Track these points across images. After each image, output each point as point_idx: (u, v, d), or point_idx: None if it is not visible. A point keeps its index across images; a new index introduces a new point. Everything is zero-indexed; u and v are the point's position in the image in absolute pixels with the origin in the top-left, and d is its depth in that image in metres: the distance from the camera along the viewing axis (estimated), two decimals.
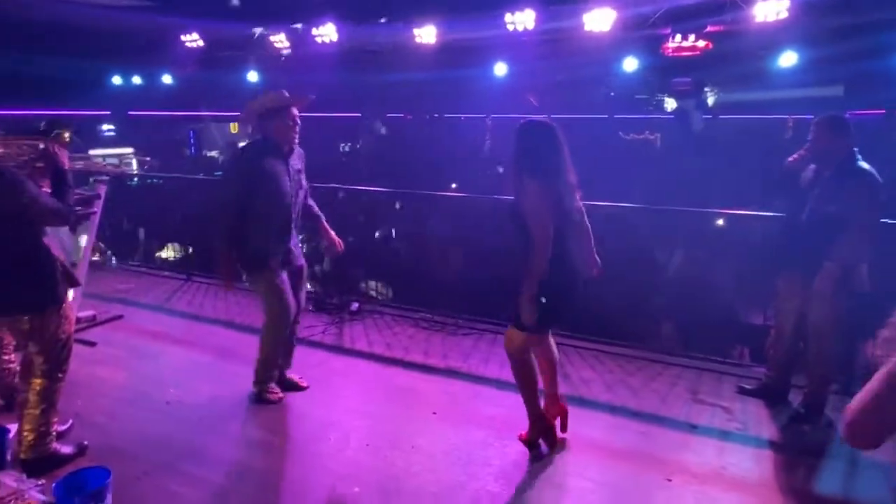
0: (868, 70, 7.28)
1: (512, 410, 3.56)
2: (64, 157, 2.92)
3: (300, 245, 3.89)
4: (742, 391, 3.81)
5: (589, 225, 3.13)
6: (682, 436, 3.37)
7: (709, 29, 6.66)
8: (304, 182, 3.66)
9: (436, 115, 16.93)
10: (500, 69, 8.43)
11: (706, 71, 9.14)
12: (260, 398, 3.66)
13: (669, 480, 2.92)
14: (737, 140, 12.32)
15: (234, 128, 20.75)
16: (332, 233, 3.92)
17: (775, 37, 6.73)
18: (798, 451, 3.20)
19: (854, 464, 3.07)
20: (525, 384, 3.06)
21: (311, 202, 3.85)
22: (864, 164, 3.25)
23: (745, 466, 3.05)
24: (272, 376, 3.71)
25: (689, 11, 6.27)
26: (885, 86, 8.31)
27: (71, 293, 3.06)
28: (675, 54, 7.02)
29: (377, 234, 10.86)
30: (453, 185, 10.23)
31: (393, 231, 10.68)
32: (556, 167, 2.84)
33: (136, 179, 4.77)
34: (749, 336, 6.10)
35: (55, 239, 2.91)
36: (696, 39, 6.86)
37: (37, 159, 2.88)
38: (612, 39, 6.81)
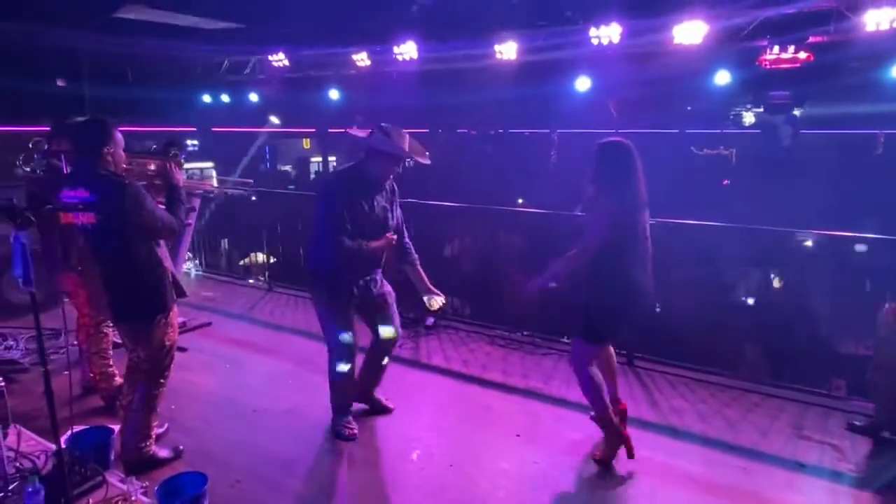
0: None
1: (599, 435, 3.43)
2: (179, 175, 3.10)
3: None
4: (852, 428, 3.50)
5: (650, 248, 3.11)
6: (788, 474, 3.12)
7: (811, 40, 6.29)
8: (390, 220, 3.43)
9: (500, 131, 16.92)
10: (583, 84, 8.30)
11: (804, 84, 8.64)
12: (334, 430, 3.47)
13: None
14: (822, 156, 11.60)
15: (306, 143, 21.56)
16: (427, 281, 3.64)
17: (887, 47, 6.28)
18: None
19: None
20: (593, 397, 3.10)
21: (407, 242, 3.63)
22: None
23: None
24: (342, 407, 3.50)
25: (789, 22, 5.94)
26: None
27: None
28: (774, 66, 6.68)
29: (447, 251, 10.88)
30: (520, 201, 10.11)
31: (449, 247, 10.68)
32: (629, 183, 2.96)
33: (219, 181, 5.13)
34: (844, 366, 5.66)
35: (164, 250, 3.05)
36: (797, 51, 6.50)
37: (155, 177, 3.06)
38: (704, 52, 6.57)
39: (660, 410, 3.77)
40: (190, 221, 4.81)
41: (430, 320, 5.43)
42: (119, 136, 2.93)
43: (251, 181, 4.73)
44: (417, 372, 4.47)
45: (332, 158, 20.96)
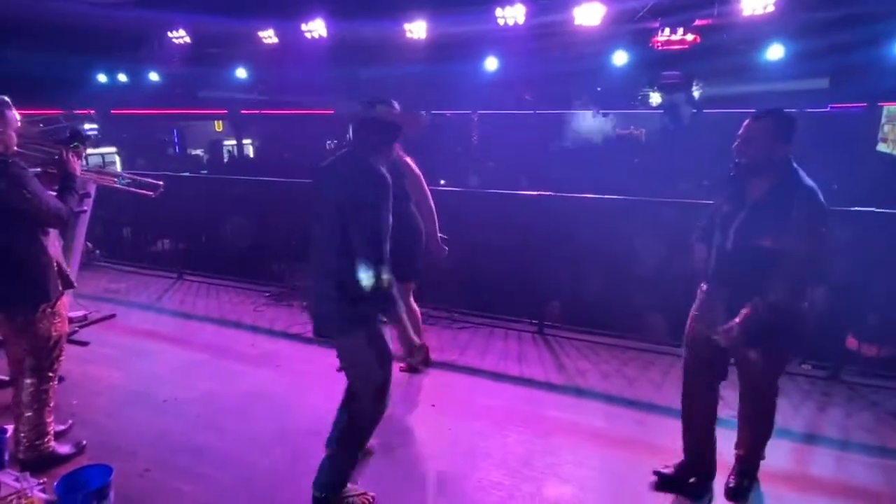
0: (853, 63, 7.41)
1: (510, 402, 3.61)
2: (76, 166, 2.96)
3: None
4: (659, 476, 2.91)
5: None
6: (677, 423, 3.41)
7: (697, 23, 6.73)
8: None
9: (423, 112, 16.91)
10: (491, 64, 8.46)
11: (694, 65, 9.23)
12: None
13: (667, 467, 2.97)
14: (720, 134, 12.46)
15: (218, 126, 20.60)
16: None
17: (762, 30, 6.84)
18: (792, 436, 3.27)
19: (845, 446, 3.14)
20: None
21: None
22: (808, 180, 2.45)
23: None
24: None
25: (678, 5, 6.33)
26: (871, 78, 8.46)
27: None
28: (665, 48, 7.09)
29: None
30: (442, 182, 10.22)
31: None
32: None
33: (124, 179, 4.73)
34: None
35: (54, 239, 2.90)
36: (685, 33, 6.94)
37: (50, 164, 2.91)
38: (602, 33, 6.87)
39: (567, 373, 4.02)
40: (85, 208, 4.55)
41: None
42: (12, 115, 2.74)
43: (161, 184, 4.47)
44: (332, 351, 4.47)
45: (246, 141, 20.19)
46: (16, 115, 2.78)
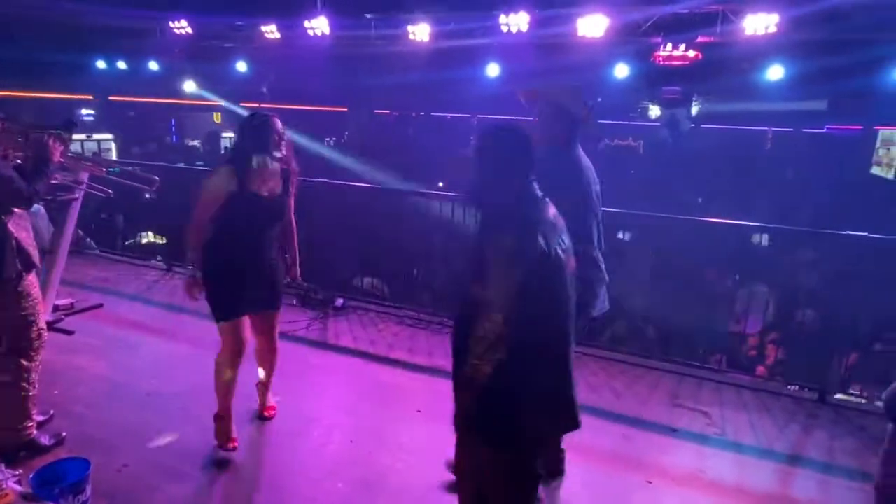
0: (852, 87, 7.47)
1: None
2: (56, 151, 2.93)
3: None
4: None
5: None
6: (663, 439, 3.41)
7: (700, 39, 6.77)
8: None
9: (421, 113, 16.90)
10: (493, 70, 8.47)
11: (695, 81, 9.29)
12: None
13: (650, 482, 2.97)
14: (717, 150, 12.54)
15: (216, 117, 20.50)
16: None
17: (763, 50, 6.89)
18: (776, 457, 3.27)
19: (828, 469, 3.15)
20: None
21: None
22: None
23: (722, 470, 3.11)
24: None
25: (681, 21, 6.36)
26: (868, 102, 8.53)
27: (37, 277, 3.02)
28: (666, 63, 7.12)
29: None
30: (440, 184, 10.22)
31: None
32: None
33: (117, 168, 4.67)
34: (725, 343, 6.23)
35: (23, 220, 2.86)
36: (687, 49, 6.97)
37: (28, 148, 2.88)
38: (605, 45, 6.89)
39: None
40: (76, 196, 4.50)
41: (340, 301, 5.41)
42: None
43: (157, 179, 4.40)
44: (324, 353, 4.46)
45: None
46: None
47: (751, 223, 5.35)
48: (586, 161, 2.76)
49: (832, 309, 5.10)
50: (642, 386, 4.05)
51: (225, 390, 3.05)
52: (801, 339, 5.79)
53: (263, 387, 3.42)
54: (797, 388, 4.13)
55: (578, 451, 3.23)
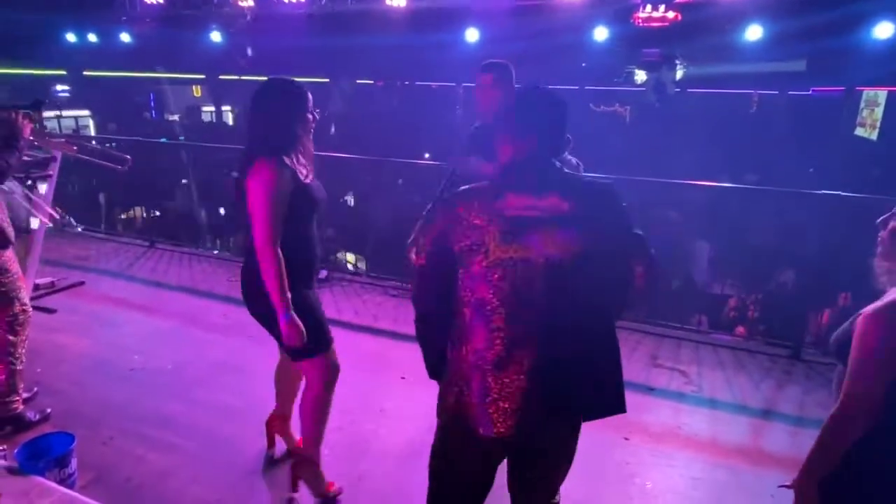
0: (831, 46, 7.44)
1: None
2: (26, 128, 2.91)
3: None
4: None
5: None
6: (641, 397, 3.50)
7: (679, 0, 6.68)
8: None
9: (406, 83, 16.64)
10: (472, 35, 8.31)
11: (675, 43, 9.20)
12: None
13: (627, 439, 3.05)
14: (703, 114, 12.52)
15: (196, 91, 20.09)
16: None
17: (742, 9, 6.81)
18: (750, 412, 3.36)
19: (800, 422, 3.25)
20: None
21: None
22: None
23: (698, 426, 3.20)
24: None
25: None
26: (847, 61, 8.51)
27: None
28: (646, 24, 7.04)
29: (347, 199, 10.78)
30: (426, 155, 10.15)
31: (350, 199, 10.58)
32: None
33: (94, 142, 4.60)
34: (707, 305, 6.34)
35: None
36: (666, 10, 6.88)
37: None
38: (584, 7, 6.78)
39: None
40: (51, 172, 4.44)
41: (324, 273, 5.41)
42: None
43: (128, 158, 4.32)
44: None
45: (226, 108, 19.73)
46: None
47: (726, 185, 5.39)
48: None
49: (809, 268, 5.19)
50: (624, 348, 4.11)
51: (323, 427, 2.54)
52: (781, 299, 5.91)
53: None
54: (772, 345, 4.23)
55: None
